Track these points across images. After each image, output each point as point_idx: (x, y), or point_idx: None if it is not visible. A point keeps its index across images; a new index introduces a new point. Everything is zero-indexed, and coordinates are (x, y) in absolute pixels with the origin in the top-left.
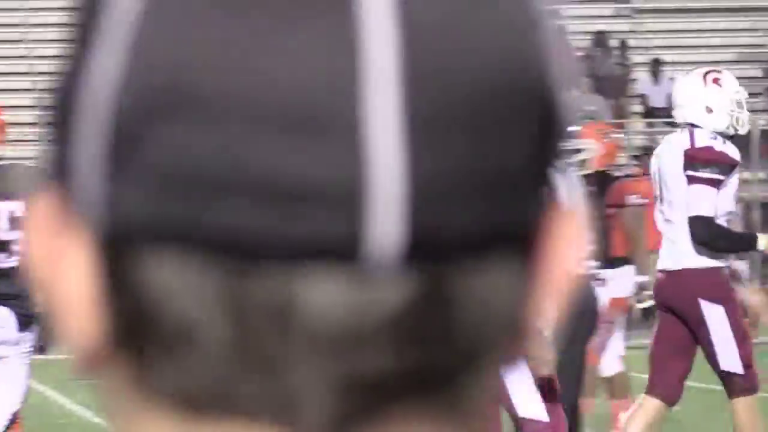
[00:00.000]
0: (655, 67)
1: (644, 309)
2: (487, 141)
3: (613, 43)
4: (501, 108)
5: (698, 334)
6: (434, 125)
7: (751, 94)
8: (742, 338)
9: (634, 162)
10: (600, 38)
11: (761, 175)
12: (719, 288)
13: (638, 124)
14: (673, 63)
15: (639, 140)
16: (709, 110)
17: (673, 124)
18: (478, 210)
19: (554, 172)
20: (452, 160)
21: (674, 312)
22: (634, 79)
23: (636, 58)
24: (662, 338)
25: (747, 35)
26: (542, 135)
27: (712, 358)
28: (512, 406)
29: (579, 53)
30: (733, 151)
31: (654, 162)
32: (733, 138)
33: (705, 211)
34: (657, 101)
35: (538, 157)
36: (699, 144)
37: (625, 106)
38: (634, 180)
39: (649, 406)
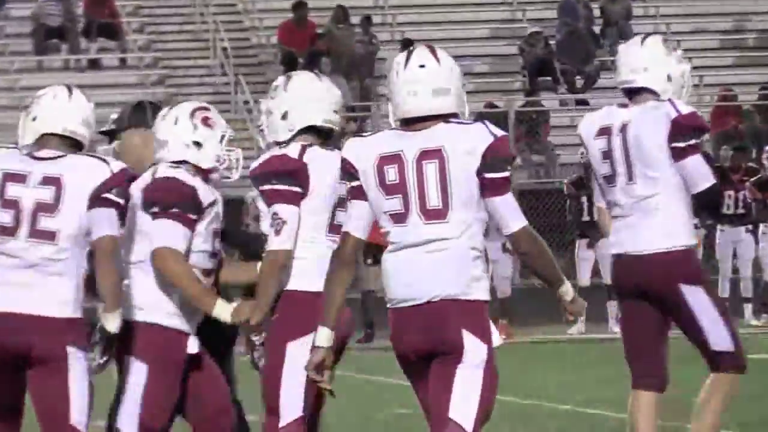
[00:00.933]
0: (407, 47)
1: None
2: None
3: (355, 19)
4: None
5: (678, 318)
6: None
7: (505, 73)
8: (726, 316)
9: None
10: (340, 13)
11: (518, 160)
12: (696, 269)
13: (385, 107)
14: (422, 40)
15: (385, 124)
16: (669, 79)
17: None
18: None
19: None
20: None
21: (644, 297)
22: (382, 59)
23: (382, 35)
24: (636, 326)
25: (500, 9)
26: None
27: (700, 340)
28: (445, 403)
29: (318, 30)
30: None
31: (609, 139)
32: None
33: (710, 180)
34: None
35: None
36: (684, 111)
37: (372, 87)
38: None
39: (647, 398)
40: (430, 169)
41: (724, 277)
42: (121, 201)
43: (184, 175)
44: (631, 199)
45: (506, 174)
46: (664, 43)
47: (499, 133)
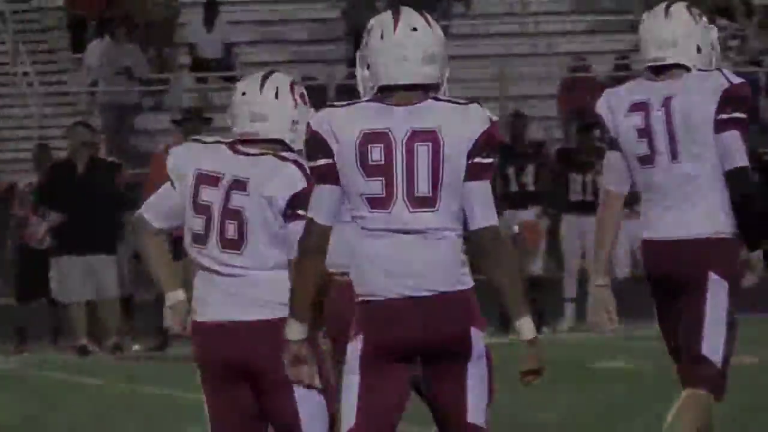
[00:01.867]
0: (210, 11)
1: None
2: None
3: None
4: None
5: (687, 308)
6: None
7: (326, 41)
8: (733, 331)
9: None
10: None
11: None
12: (733, 261)
13: (186, 79)
14: (227, 3)
15: (186, 98)
16: (699, 50)
17: (229, 79)
18: None
19: None
20: None
21: (671, 286)
22: (183, 24)
23: None
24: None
25: None
26: None
27: (693, 337)
28: (463, 408)
29: None
30: None
31: (647, 114)
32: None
33: (745, 161)
34: (210, 51)
35: None
36: (735, 81)
37: (170, 57)
38: None
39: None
40: (422, 152)
41: (569, 273)
42: None
43: None
44: (673, 180)
45: (492, 160)
46: (690, 11)
47: (494, 117)
